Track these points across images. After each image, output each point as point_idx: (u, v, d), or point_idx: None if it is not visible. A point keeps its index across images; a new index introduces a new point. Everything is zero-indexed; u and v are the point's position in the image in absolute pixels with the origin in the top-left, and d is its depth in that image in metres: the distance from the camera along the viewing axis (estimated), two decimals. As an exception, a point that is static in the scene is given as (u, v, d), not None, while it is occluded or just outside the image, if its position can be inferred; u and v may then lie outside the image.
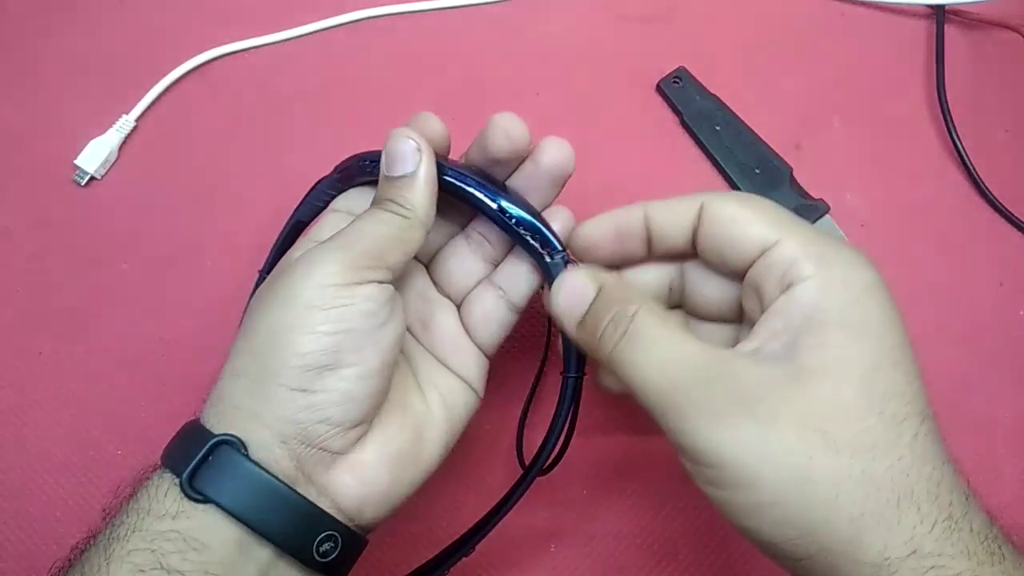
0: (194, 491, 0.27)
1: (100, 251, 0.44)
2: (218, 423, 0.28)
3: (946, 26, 0.49)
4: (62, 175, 0.46)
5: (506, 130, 0.32)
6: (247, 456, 0.28)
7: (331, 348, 0.28)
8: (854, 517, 0.24)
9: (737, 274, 0.30)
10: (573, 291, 0.30)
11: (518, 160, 0.34)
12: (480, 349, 0.35)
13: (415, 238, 0.31)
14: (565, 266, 0.32)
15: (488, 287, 0.35)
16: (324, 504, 0.29)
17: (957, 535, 0.24)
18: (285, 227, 0.38)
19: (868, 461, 0.24)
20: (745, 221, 0.29)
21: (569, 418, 0.34)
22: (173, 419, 0.41)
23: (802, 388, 0.25)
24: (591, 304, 0.30)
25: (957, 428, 0.42)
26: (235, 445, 0.28)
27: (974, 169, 0.46)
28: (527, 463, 0.34)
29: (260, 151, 0.47)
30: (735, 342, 0.30)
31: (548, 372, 0.41)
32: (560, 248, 0.33)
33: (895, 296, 0.32)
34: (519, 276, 0.34)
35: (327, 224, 0.34)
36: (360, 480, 0.29)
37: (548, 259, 0.32)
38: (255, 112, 0.48)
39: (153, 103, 0.47)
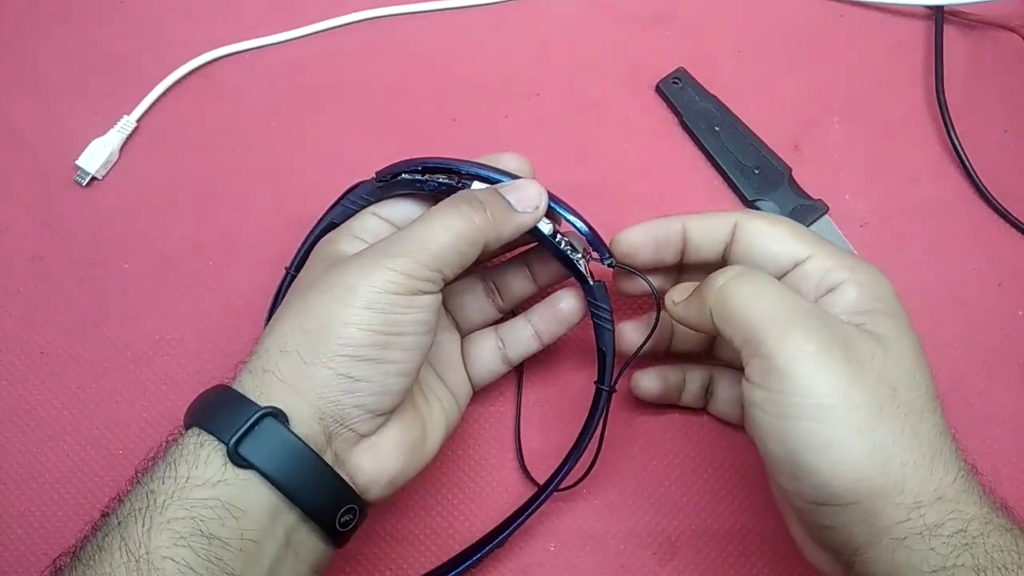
0: (240, 458, 0.29)
1: (101, 251, 0.45)
2: (260, 394, 0.30)
3: (945, 27, 0.49)
4: (63, 175, 0.46)
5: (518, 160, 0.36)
6: (289, 428, 0.29)
7: (380, 344, 0.31)
8: (904, 463, 0.28)
9: None
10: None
11: None
12: (469, 379, 0.38)
13: (474, 253, 0.33)
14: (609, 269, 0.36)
15: (491, 335, 0.39)
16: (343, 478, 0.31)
17: (972, 487, 0.29)
18: (316, 227, 0.38)
19: (916, 421, 0.29)
20: (779, 237, 0.33)
21: (599, 428, 0.36)
22: (174, 419, 0.41)
23: (882, 348, 0.30)
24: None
25: (957, 428, 0.42)
26: (278, 417, 0.29)
27: (973, 169, 0.46)
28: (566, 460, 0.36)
29: (260, 151, 0.47)
30: None
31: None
32: (608, 254, 0.36)
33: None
34: (521, 338, 0.38)
35: (365, 226, 0.36)
36: (376, 462, 0.32)
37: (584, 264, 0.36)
38: (255, 112, 0.48)
39: (154, 103, 0.47)
